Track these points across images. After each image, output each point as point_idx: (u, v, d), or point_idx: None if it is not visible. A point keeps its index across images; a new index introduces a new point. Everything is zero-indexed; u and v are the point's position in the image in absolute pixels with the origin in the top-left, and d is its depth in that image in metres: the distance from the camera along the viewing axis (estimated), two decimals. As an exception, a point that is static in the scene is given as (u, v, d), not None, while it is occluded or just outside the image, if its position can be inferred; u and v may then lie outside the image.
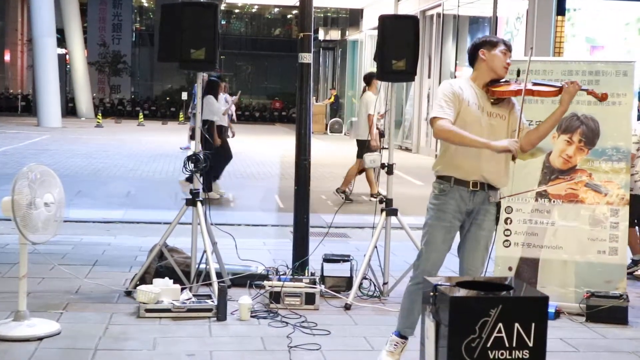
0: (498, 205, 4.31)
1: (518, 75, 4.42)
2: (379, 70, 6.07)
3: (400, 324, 4.45)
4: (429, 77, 20.54)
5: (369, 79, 11.37)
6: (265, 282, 5.73)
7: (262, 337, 4.98)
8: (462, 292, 3.45)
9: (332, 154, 19.60)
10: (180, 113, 33.32)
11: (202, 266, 5.83)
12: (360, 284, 5.95)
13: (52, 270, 6.19)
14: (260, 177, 14.72)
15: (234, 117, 16.45)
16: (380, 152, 6.34)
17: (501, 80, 4.34)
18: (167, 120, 33.92)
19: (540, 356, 3.35)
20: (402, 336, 4.44)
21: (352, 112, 30.06)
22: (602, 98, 4.34)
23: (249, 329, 5.16)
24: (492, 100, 4.30)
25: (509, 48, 4.37)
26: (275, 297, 5.60)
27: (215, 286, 5.57)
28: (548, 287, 5.73)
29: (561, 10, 13.86)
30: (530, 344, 3.32)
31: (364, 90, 11.59)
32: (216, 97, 10.85)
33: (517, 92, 4.26)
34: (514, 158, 4.19)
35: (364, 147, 10.47)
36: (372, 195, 11.12)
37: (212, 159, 6.02)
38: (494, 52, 4.32)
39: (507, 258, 5.96)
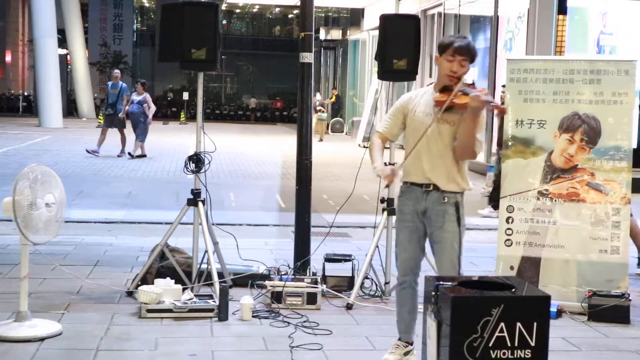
0: (456, 205, 4.27)
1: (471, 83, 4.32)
2: (379, 70, 6.07)
3: (397, 328, 4.53)
4: (430, 76, 20.52)
5: None
6: (267, 282, 5.73)
7: (263, 337, 4.97)
8: (463, 292, 3.45)
9: (333, 153, 19.60)
10: (182, 113, 33.34)
11: (204, 266, 5.83)
12: (362, 283, 5.95)
13: (53, 270, 6.19)
14: (262, 176, 14.71)
15: (150, 118, 16.77)
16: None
17: (452, 87, 4.19)
18: (168, 120, 33.93)
19: (542, 355, 3.34)
20: (403, 340, 4.47)
21: (353, 111, 30.08)
22: (503, 111, 4.45)
23: (251, 328, 5.16)
24: (434, 106, 4.24)
25: (458, 51, 4.17)
26: (277, 297, 5.60)
27: (217, 286, 5.56)
28: (550, 286, 5.72)
29: (562, 9, 13.84)
30: (532, 344, 3.31)
31: None
32: None
33: (443, 103, 4.16)
34: (387, 186, 4.23)
35: None
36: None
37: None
38: (442, 57, 4.24)
39: (509, 257, 5.95)
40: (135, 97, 16.78)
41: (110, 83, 17.54)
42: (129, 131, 16.94)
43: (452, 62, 4.20)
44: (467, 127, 4.13)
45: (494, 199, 10.55)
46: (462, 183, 4.30)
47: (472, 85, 4.30)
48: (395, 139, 4.55)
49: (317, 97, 26.96)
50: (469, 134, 4.14)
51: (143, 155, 16.80)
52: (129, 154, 16.62)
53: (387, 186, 4.23)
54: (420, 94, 4.39)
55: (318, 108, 24.91)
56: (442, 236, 4.27)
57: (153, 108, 17.05)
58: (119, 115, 16.75)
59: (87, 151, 16.86)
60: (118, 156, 16.78)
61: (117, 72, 17.87)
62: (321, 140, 24.52)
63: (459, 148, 4.20)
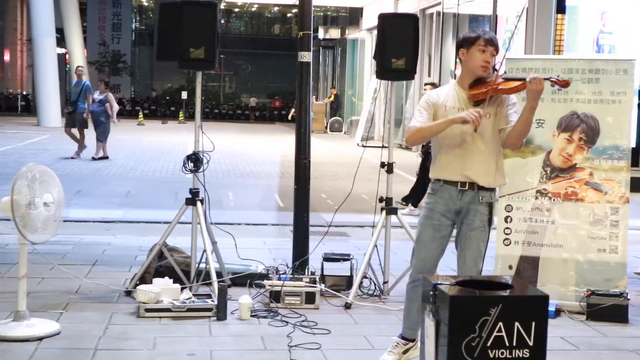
0: (490, 205, 4.27)
1: (495, 70, 4.29)
2: (378, 69, 6.07)
3: (403, 324, 4.50)
4: (429, 75, 20.52)
5: None
6: (266, 282, 5.73)
7: (262, 336, 4.97)
8: (462, 291, 3.44)
9: (332, 153, 19.60)
10: (181, 112, 33.33)
11: (202, 265, 5.83)
12: (361, 283, 5.95)
13: (51, 270, 6.18)
14: (260, 176, 14.71)
15: (114, 117, 16.18)
16: None
17: (485, 79, 4.21)
18: (167, 119, 33.92)
19: (541, 355, 3.34)
20: (405, 337, 4.46)
21: (352, 110, 30.09)
22: (565, 84, 4.23)
23: (249, 328, 5.16)
24: (473, 103, 4.22)
25: (489, 42, 4.20)
26: (276, 296, 5.60)
27: (215, 285, 5.56)
28: (548, 285, 5.72)
29: (561, 8, 13.84)
30: (531, 343, 3.31)
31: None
32: None
33: (485, 94, 4.15)
34: (475, 129, 4.05)
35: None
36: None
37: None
38: (471, 50, 4.22)
39: (507, 256, 5.95)
40: (97, 96, 15.98)
41: (74, 81, 16.71)
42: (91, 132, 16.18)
43: (485, 52, 4.19)
44: (528, 112, 4.06)
45: (413, 197, 10.35)
46: (499, 178, 4.29)
47: (495, 70, 4.29)
48: None
49: None
50: (530, 119, 4.10)
51: (105, 157, 15.98)
52: (92, 157, 15.83)
53: (476, 129, 4.05)
54: (444, 92, 4.34)
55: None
56: (471, 235, 4.26)
57: (116, 107, 16.44)
58: (83, 115, 15.87)
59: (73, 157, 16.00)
60: (72, 157, 15.91)
61: (80, 68, 17.05)
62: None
63: (517, 135, 4.14)
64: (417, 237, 4.41)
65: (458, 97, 4.27)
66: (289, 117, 27.78)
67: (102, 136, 16.02)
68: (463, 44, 4.27)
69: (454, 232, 4.38)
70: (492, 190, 4.30)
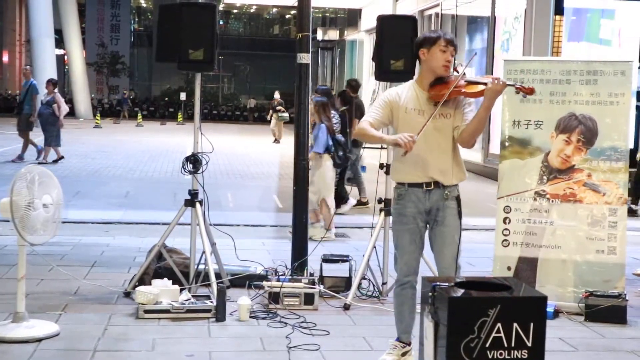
0: (457, 198, 4.31)
1: (456, 71, 4.32)
2: (377, 70, 6.08)
3: (397, 328, 4.52)
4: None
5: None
6: (264, 283, 5.73)
7: (261, 337, 4.98)
8: (460, 292, 3.45)
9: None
10: (179, 113, 33.34)
11: (201, 267, 5.83)
12: (359, 284, 5.95)
13: (50, 271, 6.18)
14: (259, 177, 14.72)
15: (61, 120, 15.11)
16: None
17: (445, 79, 4.24)
18: (165, 120, 33.92)
19: (539, 356, 3.35)
20: (401, 341, 4.47)
21: (350, 111, 30.00)
22: (530, 92, 4.24)
23: (248, 329, 5.16)
24: (433, 103, 4.24)
25: (449, 43, 4.24)
26: (275, 297, 5.60)
27: (214, 287, 5.56)
28: (547, 286, 5.73)
29: (559, 9, 13.85)
30: (529, 344, 3.32)
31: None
32: None
33: (447, 95, 4.16)
34: (405, 153, 4.11)
35: None
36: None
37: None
38: (432, 50, 4.25)
39: (506, 258, 5.96)
40: (44, 97, 15.22)
41: (24, 81, 15.83)
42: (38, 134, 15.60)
43: (445, 52, 4.23)
44: (484, 113, 4.12)
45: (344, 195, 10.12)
46: (460, 174, 4.33)
47: (456, 70, 4.31)
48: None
49: (276, 96, 26.72)
50: (484, 119, 4.16)
51: (60, 158, 15.23)
52: (41, 162, 14.30)
53: (406, 153, 4.11)
54: (405, 90, 4.37)
55: (277, 108, 24.58)
56: (444, 231, 4.28)
57: (64, 108, 15.44)
58: (30, 118, 15.11)
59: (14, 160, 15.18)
60: (12, 161, 15.03)
61: (26, 67, 16.16)
62: (277, 141, 24.08)
63: (470, 134, 4.18)
64: (395, 243, 4.44)
65: (418, 99, 4.30)
66: (268, 117, 27.76)
67: (54, 141, 15.19)
68: (423, 44, 4.29)
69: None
70: (457, 185, 4.34)
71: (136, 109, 36.06)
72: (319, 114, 8.38)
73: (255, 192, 12.46)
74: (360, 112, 10.67)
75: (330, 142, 8.38)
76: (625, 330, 5.44)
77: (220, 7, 36.71)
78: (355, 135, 4.44)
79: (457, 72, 4.29)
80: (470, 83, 4.22)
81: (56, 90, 15.52)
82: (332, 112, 8.64)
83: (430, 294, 3.47)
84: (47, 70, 26.51)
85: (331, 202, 8.45)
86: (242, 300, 5.36)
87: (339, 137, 8.63)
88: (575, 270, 5.81)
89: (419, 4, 20.86)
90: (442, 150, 4.26)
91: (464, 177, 4.38)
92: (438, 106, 4.20)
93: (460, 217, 4.32)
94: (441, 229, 4.30)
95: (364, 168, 11.05)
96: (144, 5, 51.41)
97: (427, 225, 4.37)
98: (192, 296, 5.53)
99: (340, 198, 10.15)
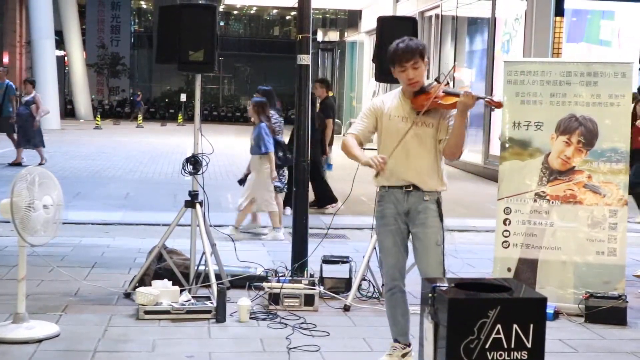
0: (438, 202, 4.30)
1: (437, 81, 4.33)
2: (377, 71, 6.08)
3: (392, 332, 4.51)
4: (427, 78, 20.40)
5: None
6: (265, 284, 5.74)
7: (261, 338, 4.98)
8: (460, 293, 3.45)
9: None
10: (179, 114, 33.34)
11: (201, 268, 5.83)
12: (359, 285, 5.95)
13: (51, 272, 6.19)
14: (259, 178, 14.67)
15: (37, 120, 14.71)
16: None
17: (427, 88, 4.25)
18: (165, 121, 33.93)
19: (539, 357, 3.35)
20: (400, 342, 4.47)
21: (350, 113, 30.08)
22: (498, 105, 4.22)
23: (248, 330, 5.16)
24: (416, 112, 4.25)
25: (405, 60, 4.18)
26: (275, 298, 5.60)
27: (215, 288, 5.56)
28: (547, 287, 5.73)
29: (559, 11, 13.86)
30: (529, 345, 3.32)
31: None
32: None
33: (425, 105, 4.18)
34: (377, 175, 4.20)
35: None
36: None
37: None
38: (395, 71, 4.27)
39: (506, 259, 5.96)
40: (24, 98, 14.86)
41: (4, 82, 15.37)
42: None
43: (405, 71, 4.23)
44: (458, 125, 4.13)
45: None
46: (439, 184, 4.31)
47: (437, 80, 4.32)
48: (367, 142, 4.50)
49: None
50: (461, 132, 4.15)
51: (42, 163, 14.24)
52: (19, 164, 14.27)
53: (378, 174, 4.18)
54: (390, 98, 4.39)
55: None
56: (425, 232, 4.27)
57: (43, 109, 15.18)
58: (10, 120, 14.76)
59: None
60: (9, 165, 14.55)
61: (1, 68, 15.99)
62: None
63: (451, 147, 4.20)
64: (379, 247, 4.45)
65: (402, 107, 4.31)
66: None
67: (36, 141, 14.86)
68: (390, 62, 4.29)
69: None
70: (437, 191, 4.33)
71: (136, 110, 36.06)
72: (257, 114, 8.48)
73: (255, 193, 12.42)
74: (332, 111, 11.18)
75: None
76: (625, 332, 5.44)
77: (221, 8, 36.72)
78: (341, 149, 4.44)
79: (439, 82, 4.29)
80: (448, 94, 4.21)
81: (34, 91, 15.16)
82: (272, 112, 8.73)
83: (430, 295, 3.47)
84: (47, 71, 26.53)
85: (279, 201, 8.83)
86: (242, 301, 5.37)
87: (279, 137, 8.75)
88: (575, 272, 5.80)
89: (419, 5, 20.87)
90: (421, 156, 4.26)
91: (443, 188, 4.35)
92: (419, 115, 4.21)
93: (441, 219, 4.30)
94: (423, 230, 4.27)
95: (330, 166, 11.09)
96: (145, 6, 51.42)
97: (409, 229, 4.34)
98: (192, 297, 5.53)
99: (329, 198, 10.23)
